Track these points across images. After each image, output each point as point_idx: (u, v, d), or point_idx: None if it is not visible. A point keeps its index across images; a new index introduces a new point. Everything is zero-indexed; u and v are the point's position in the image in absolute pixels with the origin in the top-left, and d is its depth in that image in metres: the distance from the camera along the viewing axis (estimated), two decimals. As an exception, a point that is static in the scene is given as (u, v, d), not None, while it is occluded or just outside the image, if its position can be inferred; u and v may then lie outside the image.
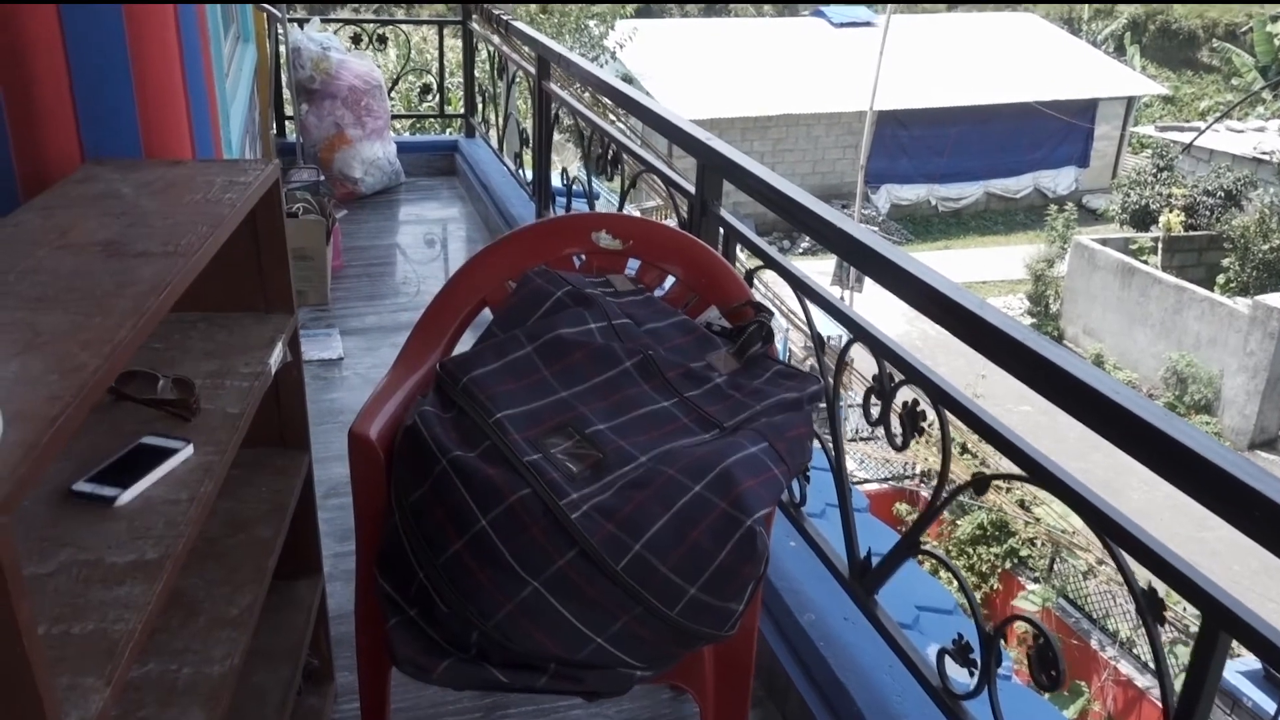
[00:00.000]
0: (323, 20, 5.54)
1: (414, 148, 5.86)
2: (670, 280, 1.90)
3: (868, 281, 2.04)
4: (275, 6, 5.16)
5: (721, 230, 2.45)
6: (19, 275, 1.14)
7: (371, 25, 6.18)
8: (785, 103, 19.86)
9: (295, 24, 5.27)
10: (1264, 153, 15.13)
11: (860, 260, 1.84)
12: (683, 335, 1.72)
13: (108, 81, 1.61)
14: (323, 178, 4.57)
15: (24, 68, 1.48)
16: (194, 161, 1.71)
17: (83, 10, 1.57)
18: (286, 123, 5.75)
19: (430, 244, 4.91)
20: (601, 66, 16.72)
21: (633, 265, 1.92)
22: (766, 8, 33.63)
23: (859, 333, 1.84)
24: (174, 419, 1.37)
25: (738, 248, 2.45)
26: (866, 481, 10.43)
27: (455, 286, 1.81)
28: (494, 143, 5.54)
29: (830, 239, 1.92)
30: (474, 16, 5.79)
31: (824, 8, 25.79)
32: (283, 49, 5.27)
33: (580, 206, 3.94)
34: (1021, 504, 9.47)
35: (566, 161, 4.25)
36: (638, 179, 3.27)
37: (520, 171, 4.86)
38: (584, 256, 1.91)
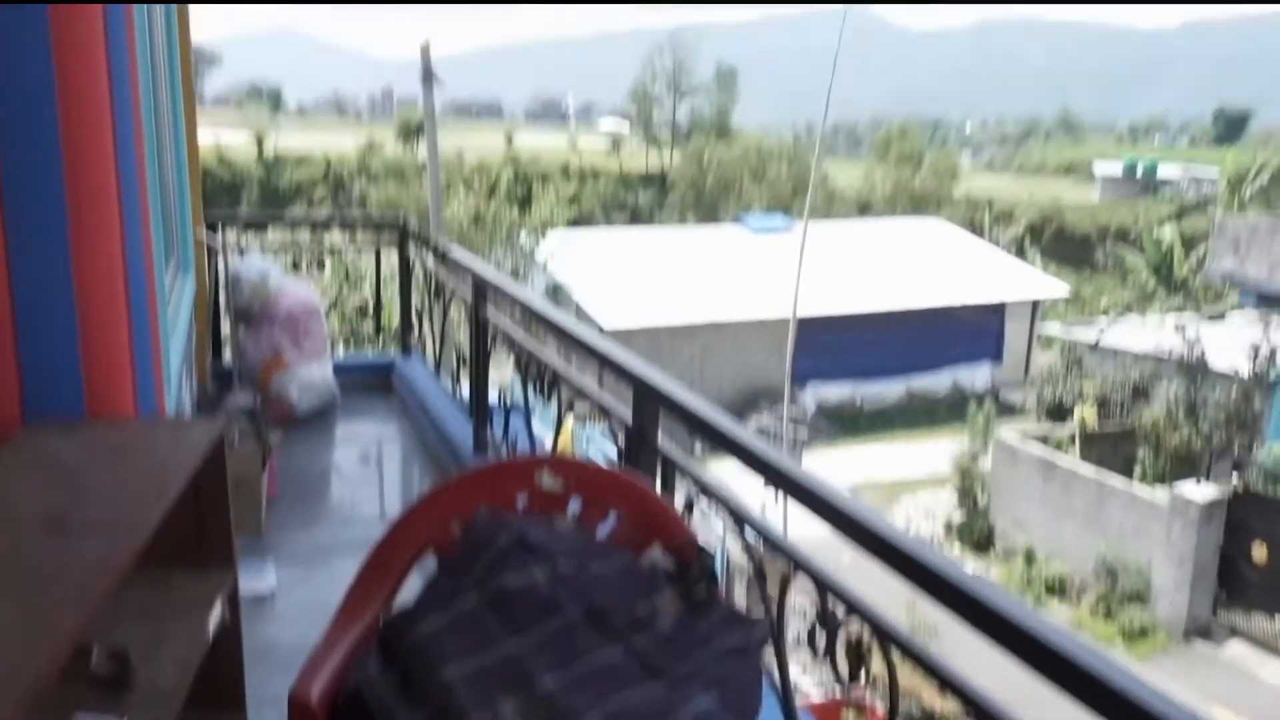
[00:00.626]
0: (263, 252, 5.68)
1: (351, 368, 5.90)
2: (615, 514, 1.92)
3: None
4: (211, 237, 5.29)
5: (660, 458, 2.50)
6: (-43, 559, 1.12)
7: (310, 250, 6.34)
8: (711, 310, 20.56)
9: (235, 252, 5.39)
10: (1164, 351, 15.95)
11: (781, 483, 1.92)
12: (627, 578, 1.72)
13: (52, 336, 1.62)
14: (259, 403, 4.57)
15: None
16: (138, 422, 1.71)
17: (30, 260, 1.59)
18: (223, 346, 5.78)
19: (366, 464, 4.88)
20: (529, 283, 17.24)
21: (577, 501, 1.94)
22: (690, 215, 35.44)
23: (801, 564, 1.87)
24: (108, 690, 1.32)
25: (676, 474, 2.50)
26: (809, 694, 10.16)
27: (398, 534, 1.80)
28: (430, 361, 5.62)
29: (759, 467, 2.00)
30: (410, 241, 5.99)
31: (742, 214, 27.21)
32: (221, 273, 5.36)
33: (517, 423, 3.98)
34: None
35: (502, 368, 4.29)
36: (574, 402, 3.33)
37: (458, 391, 4.92)
38: (528, 496, 1.93)
